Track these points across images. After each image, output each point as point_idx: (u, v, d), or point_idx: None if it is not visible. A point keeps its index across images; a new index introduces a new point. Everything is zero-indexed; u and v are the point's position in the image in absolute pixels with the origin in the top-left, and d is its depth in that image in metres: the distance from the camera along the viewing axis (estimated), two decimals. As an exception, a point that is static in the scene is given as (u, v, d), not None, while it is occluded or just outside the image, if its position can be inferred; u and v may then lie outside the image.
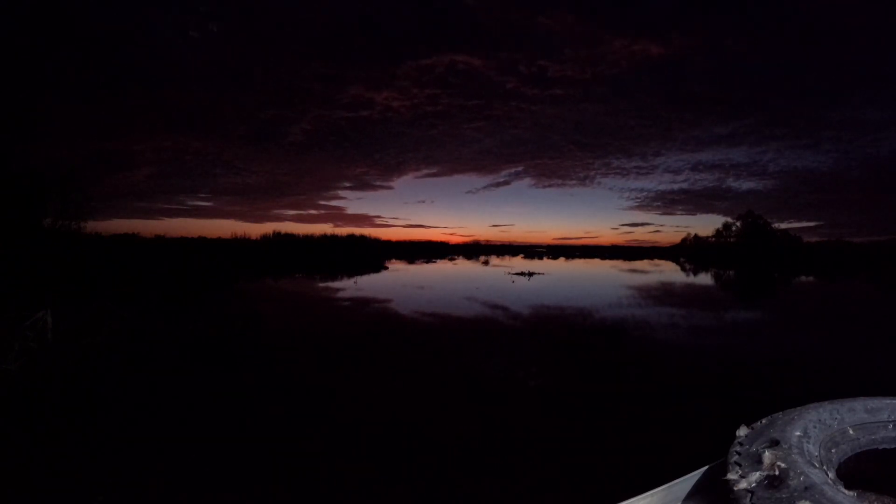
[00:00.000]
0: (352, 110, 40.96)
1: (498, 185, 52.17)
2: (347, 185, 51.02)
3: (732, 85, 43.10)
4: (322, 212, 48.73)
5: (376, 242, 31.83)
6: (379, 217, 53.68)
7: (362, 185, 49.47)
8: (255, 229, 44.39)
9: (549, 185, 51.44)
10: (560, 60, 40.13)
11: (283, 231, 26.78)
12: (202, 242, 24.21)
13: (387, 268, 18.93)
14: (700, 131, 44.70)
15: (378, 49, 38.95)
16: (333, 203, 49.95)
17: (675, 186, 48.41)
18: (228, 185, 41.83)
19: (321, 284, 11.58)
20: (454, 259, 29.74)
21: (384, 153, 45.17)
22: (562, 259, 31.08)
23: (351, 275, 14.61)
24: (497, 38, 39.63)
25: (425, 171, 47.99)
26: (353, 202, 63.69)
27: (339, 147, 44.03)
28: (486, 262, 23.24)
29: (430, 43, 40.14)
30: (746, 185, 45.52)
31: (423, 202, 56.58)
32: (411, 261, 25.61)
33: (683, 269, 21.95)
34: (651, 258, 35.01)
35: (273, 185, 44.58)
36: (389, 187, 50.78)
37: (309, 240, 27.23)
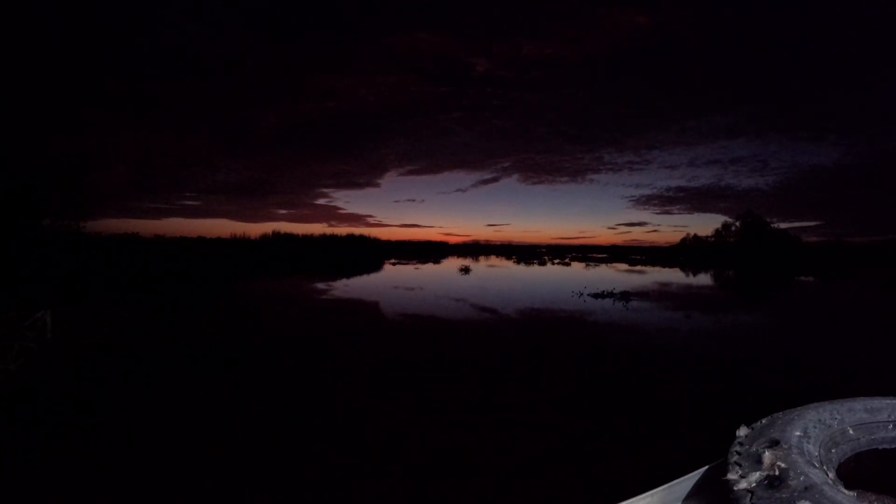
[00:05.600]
0: (316, 101, 39.31)
1: (486, 182, 51.77)
2: (330, 182, 50.45)
3: (730, 69, 40.73)
4: (314, 211, 48.64)
5: (376, 243, 31.76)
6: (371, 216, 53.73)
7: (347, 183, 49.09)
8: (254, 229, 44.37)
9: (539, 182, 50.73)
10: (536, 35, 36.47)
11: (281, 231, 26.89)
12: (201, 242, 24.23)
13: (383, 268, 18.94)
14: (697, 121, 42.97)
15: (332, 29, 34.89)
16: (322, 202, 49.81)
17: (672, 184, 47.76)
18: (211, 183, 41.52)
19: (324, 286, 11.57)
20: (479, 260, 29.28)
21: (361, 148, 44.20)
22: (578, 263, 25.16)
23: (353, 278, 14.56)
24: (459, 11, 35.18)
25: (409, 168, 47.23)
26: (342, 201, 63.51)
27: (311, 141, 43.19)
28: (463, 269, 22.24)
29: (386, 19, 37.06)
30: (746, 182, 44.74)
31: (414, 201, 56.59)
32: (435, 262, 25.41)
33: (696, 273, 21.48)
34: (654, 259, 34.05)
35: (254, 182, 44.21)
36: (376, 185, 50.51)
37: (308, 239, 27.29)
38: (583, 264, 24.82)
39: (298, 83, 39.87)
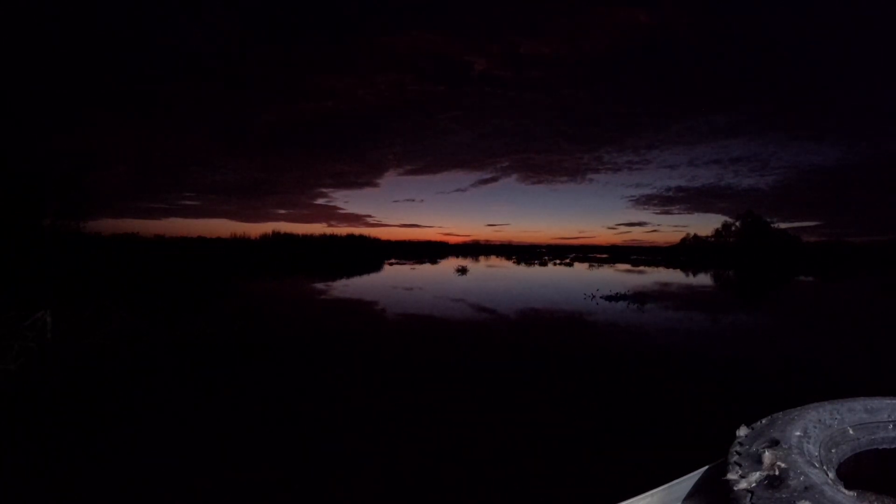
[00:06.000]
0: (316, 101, 39.20)
1: (485, 181, 51.71)
2: (329, 182, 50.30)
3: (730, 69, 40.47)
4: (314, 211, 48.62)
5: (375, 243, 31.73)
6: (370, 216, 53.71)
7: (346, 182, 49.05)
8: (254, 229, 44.31)
9: (539, 182, 50.63)
10: (535, 35, 36.14)
11: (281, 231, 26.91)
12: (201, 242, 24.22)
13: (382, 266, 18.91)
14: (697, 121, 42.78)
15: (331, 29, 34.50)
16: (322, 202, 49.79)
17: (672, 183, 47.66)
18: (211, 183, 41.44)
19: (323, 287, 11.56)
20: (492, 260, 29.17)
21: (360, 148, 44.11)
22: (580, 264, 24.35)
23: (353, 278, 14.52)
24: (458, 10, 33.70)
25: (408, 168, 47.12)
26: (342, 201, 63.31)
27: (310, 142, 43.16)
28: (460, 269, 22.02)
29: (385, 19, 36.55)
30: (746, 182, 44.62)
31: (413, 201, 56.62)
32: (433, 262, 25.36)
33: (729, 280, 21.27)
34: (655, 259, 33.64)
35: (254, 182, 44.20)
36: (375, 185, 50.47)
37: (308, 239, 27.30)
38: (585, 265, 24.36)
39: (298, 83, 39.90)
